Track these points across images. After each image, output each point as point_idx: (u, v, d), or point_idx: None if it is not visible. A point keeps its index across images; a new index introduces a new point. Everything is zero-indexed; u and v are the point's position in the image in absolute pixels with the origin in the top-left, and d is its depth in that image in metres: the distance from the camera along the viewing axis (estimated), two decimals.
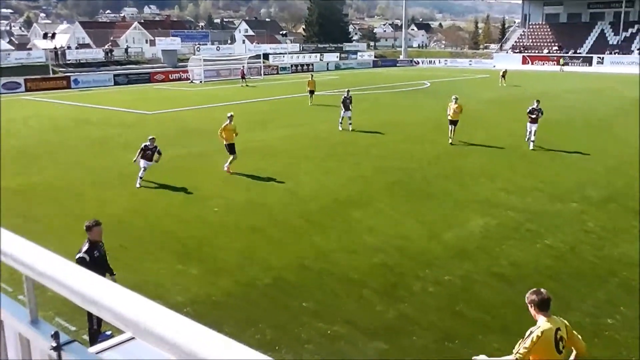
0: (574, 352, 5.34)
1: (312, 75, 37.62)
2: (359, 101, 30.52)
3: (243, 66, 55.44)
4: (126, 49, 71.53)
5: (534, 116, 20.78)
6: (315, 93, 35.54)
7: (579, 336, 5.42)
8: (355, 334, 8.06)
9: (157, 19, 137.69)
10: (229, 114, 17.68)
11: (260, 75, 60.22)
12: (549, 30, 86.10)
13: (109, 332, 7.27)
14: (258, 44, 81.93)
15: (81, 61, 61.54)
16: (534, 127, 20.69)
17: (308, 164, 18.79)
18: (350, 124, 25.19)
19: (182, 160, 19.23)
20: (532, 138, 20.66)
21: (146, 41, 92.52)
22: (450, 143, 21.60)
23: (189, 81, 55.58)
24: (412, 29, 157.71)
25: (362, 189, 15.80)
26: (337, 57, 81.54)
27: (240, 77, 52.99)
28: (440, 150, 20.79)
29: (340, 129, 25.12)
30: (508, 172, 17.59)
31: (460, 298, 9.17)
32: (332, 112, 28.75)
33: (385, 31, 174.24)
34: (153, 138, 16.36)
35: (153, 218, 13.52)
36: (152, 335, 1.47)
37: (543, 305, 5.38)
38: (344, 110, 25.21)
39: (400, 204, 14.39)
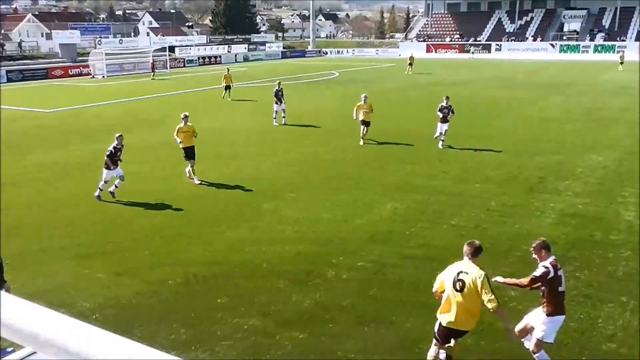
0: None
1: (228, 70, 35.71)
2: (266, 91, 30.36)
3: (153, 59, 54.05)
4: (19, 43, 67.58)
5: (443, 115, 19.19)
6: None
7: (491, 296, 6.26)
8: (272, 325, 8.04)
9: (53, 10, 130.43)
10: (182, 115, 15.59)
11: (167, 68, 58.65)
12: (450, 19, 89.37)
13: (10, 349, 6.86)
14: (163, 36, 79.59)
15: None
16: (444, 126, 19.20)
17: (220, 158, 18.51)
18: (284, 117, 24.52)
19: (86, 158, 18.42)
20: (442, 137, 19.29)
21: (42, 34, 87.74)
22: (362, 144, 19.96)
23: (90, 76, 53.23)
24: (320, 20, 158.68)
25: (272, 180, 15.76)
26: (246, 48, 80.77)
27: (150, 70, 52.09)
28: (348, 141, 21.10)
29: (275, 124, 24.42)
30: (415, 158, 18.11)
31: (374, 282, 9.36)
32: (250, 105, 28.48)
33: (293, 22, 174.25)
34: (121, 135, 14.26)
35: (53, 219, 12.85)
36: (54, 347, 1.36)
37: (475, 253, 6.58)
38: (277, 103, 24.30)
39: (310, 193, 14.49)
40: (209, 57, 70.72)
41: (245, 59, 75.37)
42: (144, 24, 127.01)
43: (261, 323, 8.10)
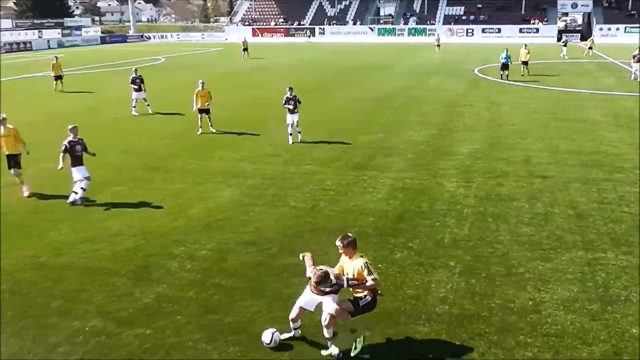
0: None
1: (56, 58, 32.14)
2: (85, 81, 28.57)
3: None
4: None
5: (291, 106, 17.67)
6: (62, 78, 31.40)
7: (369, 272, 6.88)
8: (114, 325, 7.67)
9: None
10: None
11: None
12: (273, 3, 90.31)
13: None
14: None
15: None
16: (295, 117, 17.71)
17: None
18: (148, 105, 23.65)
19: None
20: (298, 130, 17.97)
21: None
22: (201, 133, 19.38)
23: None
24: (139, 3, 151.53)
25: (98, 174, 14.92)
26: (59, 33, 74.91)
27: None
28: (178, 126, 20.61)
29: (135, 113, 23.33)
30: (247, 143, 18.21)
31: (216, 269, 9.31)
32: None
33: (110, 5, 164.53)
34: (75, 127, 12.72)
35: None
36: None
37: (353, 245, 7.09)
38: (136, 92, 23.35)
39: (136, 185, 13.99)
40: (17, 44, 64.61)
41: (60, 45, 70.09)
42: None
43: (102, 323, 7.70)
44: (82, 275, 9.18)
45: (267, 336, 7.15)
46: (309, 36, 75.43)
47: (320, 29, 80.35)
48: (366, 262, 6.94)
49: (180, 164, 15.69)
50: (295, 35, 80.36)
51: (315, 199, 12.75)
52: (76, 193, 12.61)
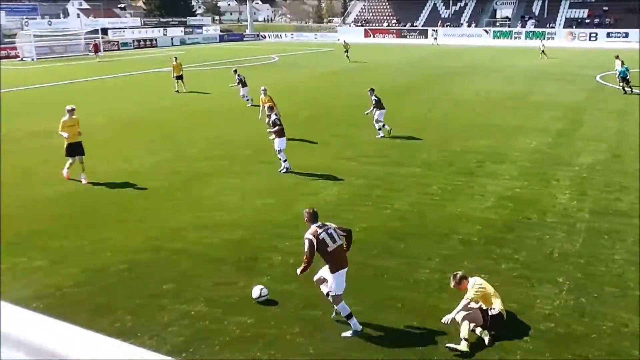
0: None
1: (176, 58, 30.99)
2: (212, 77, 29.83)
3: (96, 40, 52.56)
4: None
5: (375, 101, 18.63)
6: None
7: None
8: (219, 311, 8.01)
9: None
10: (68, 107, 14.18)
11: (100, 51, 56.76)
12: (387, 4, 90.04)
13: None
14: (95, 17, 76.86)
15: None
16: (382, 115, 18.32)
17: (158, 142, 18.15)
18: (248, 100, 24.96)
19: (16, 144, 17.67)
20: (382, 126, 18.63)
21: None
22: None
23: (19, 59, 50.92)
24: (257, 3, 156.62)
25: (212, 164, 15.60)
26: (182, 32, 78.98)
27: (93, 52, 51.19)
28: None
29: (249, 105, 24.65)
30: (356, 142, 18.28)
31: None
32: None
33: (229, 5, 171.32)
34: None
35: None
36: None
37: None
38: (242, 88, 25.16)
39: (250, 178, 14.42)
40: (144, 40, 68.87)
41: (182, 43, 73.80)
42: (73, 5, 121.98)
43: (208, 309, 8.06)
44: (193, 261, 9.65)
45: (256, 292, 8.19)
46: (436, 38, 73.12)
47: (434, 30, 79.14)
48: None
49: (293, 160, 16.00)
50: (408, 36, 79.68)
51: (420, 202, 12.60)
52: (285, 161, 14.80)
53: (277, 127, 14.77)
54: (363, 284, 8.75)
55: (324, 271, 7.63)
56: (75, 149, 14.05)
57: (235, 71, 25.90)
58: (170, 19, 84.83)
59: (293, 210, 12.11)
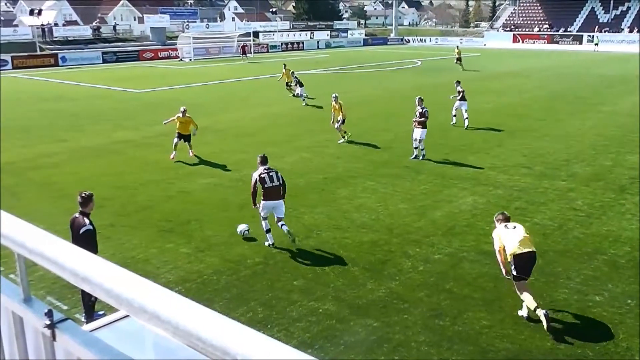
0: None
1: (285, 65, 30.57)
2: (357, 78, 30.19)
3: (245, 43, 55.81)
4: (114, 26, 70.58)
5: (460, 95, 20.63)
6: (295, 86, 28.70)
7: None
8: (346, 311, 8.13)
9: None
10: (181, 108, 16.65)
11: (251, 53, 59.78)
12: (539, 8, 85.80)
13: (101, 312, 7.29)
14: (248, 21, 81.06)
15: (68, 38, 60.67)
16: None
17: (297, 142, 18.75)
18: (303, 98, 26.28)
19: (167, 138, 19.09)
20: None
21: (134, 18, 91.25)
22: (344, 139, 18.81)
23: (178, 59, 55.06)
24: (403, 7, 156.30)
25: (349, 166, 15.81)
26: (328, 35, 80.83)
27: (241, 53, 54.28)
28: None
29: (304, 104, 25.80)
30: (498, 151, 17.63)
31: (450, 276, 9.25)
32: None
33: (375, 9, 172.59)
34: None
35: (138, 194, 13.49)
36: (147, 313, 1.47)
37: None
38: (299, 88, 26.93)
39: (386, 182, 14.43)
40: (292, 43, 71.40)
41: (327, 46, 75.52)
42: (229, 9, 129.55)
43: (336, 308, 8.21)
44: (325, 260, 9.89)
45: (240, 228, 10.78)
46: (596, 44, 68.33)
47: (589, 36, 74.10)
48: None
49: (431, 166, 15.84)
50: (560, 42, 75.35)
51: (564, 218, 11.88)
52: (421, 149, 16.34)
53: (423, 119, 16.25)
54: (496, 297, 8.46)
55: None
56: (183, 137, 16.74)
57: (293, 73, 28.58)
58: (318, 23, 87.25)
59: (426, 216, 11.98)
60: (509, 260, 7.77)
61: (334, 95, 19.20)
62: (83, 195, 7.70)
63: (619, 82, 35.40)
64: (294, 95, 28.36)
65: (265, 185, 10.19)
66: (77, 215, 7.67)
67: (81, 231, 7.43)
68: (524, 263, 7.67)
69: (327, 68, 45.02)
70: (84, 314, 7.67)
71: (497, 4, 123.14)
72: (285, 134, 20.13)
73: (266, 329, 7.56)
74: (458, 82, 21.28)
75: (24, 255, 1.80)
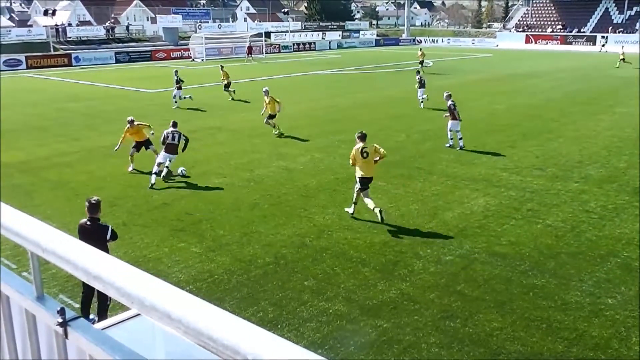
0: (378, 156, 11.78)
1: (222, 67, 30.04)
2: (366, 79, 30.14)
3: (251, 43, 55.72)
4: (127, 27, 70.98)
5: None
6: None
7: (381, 150, 11.83)
8: (356, 312, 8.12)
9: None
10: (129, 118, 15.41)
11: (262, 53, 59.92)
12: (552, 8, 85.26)
13: (92, 317, 7.44)
14: (260, 22, 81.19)
15: (82, 38, 61.07)
16: (455, 126, 17.63)
17: (309, 142, 18.76)
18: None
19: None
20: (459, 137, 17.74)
21: (147, 18, 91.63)
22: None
23: (191, 59, 55.31)
24: (415, 8, 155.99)
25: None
26: (340, 35, 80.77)
27: (247, 53, 54.29)
28: (429, 126, 20.71)
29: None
30: (511, 152, 17.54)
31: (461, 277, 9.22)
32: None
33: (387, 9, 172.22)
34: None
35: (151, 194, 13.56)
36: (158, 312, 1.48)
37: (362, 138, 11.72)
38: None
39: (398, 182, 14.41)
40: (304, 44, 71.47)
41: (339, 46, 75.53)
42: (241, 10, 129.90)
43: (346, 309, 8.20)
44: (336, 261, 9.88)
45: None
46: (603, 45, 67.93)
47: (603, 37, 73.49)
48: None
49: (442, 167, 15.79)
50: (574, 43, 74.82)
51: (576, 220, 11.80)
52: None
53: (449, 112, 17.65)
54: (507, 299, 8.41)
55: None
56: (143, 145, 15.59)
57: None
58: (330, 23, 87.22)
59: (437, 217, 11.94)
60: (357, 176, 11.65)
61: (264, 89, 20.38)
62: (92, 201, 7.54)
63: (633, 83, 35.08)
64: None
65: (167, 141, 14.16)
66: (87, 222, 7.57)
67: (108, 236, 7.49)
68: (365, 182, 11.63)
69: (342, 68, 45.00)
70: (96, 315, 7.69)
71: (510, 4, 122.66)
72: (297, 134, 20.14)
73: (276, 329, 7.57)
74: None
75: (37, 253, 1.82)
